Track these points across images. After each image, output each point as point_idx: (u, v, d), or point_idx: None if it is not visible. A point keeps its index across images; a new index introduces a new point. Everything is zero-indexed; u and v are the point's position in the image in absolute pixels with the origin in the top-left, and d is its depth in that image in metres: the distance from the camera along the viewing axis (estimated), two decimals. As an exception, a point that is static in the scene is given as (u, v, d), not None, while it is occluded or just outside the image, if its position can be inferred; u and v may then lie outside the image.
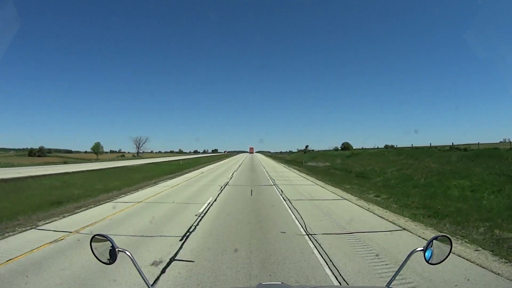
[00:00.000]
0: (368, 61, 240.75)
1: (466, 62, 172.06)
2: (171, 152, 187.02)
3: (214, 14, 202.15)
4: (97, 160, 77.87)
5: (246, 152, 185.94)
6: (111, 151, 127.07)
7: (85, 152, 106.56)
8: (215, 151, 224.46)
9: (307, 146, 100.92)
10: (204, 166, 36.34)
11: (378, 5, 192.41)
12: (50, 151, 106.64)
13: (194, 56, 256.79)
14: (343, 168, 32.99)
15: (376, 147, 58.03)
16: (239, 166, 36.42)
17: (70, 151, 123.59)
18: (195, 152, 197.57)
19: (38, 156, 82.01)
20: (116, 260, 1.62)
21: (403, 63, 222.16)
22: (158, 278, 4.47)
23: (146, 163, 43.01)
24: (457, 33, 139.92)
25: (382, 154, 34.17)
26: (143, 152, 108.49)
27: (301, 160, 61.27)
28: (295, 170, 30.42)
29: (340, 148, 73.17)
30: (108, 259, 1.63)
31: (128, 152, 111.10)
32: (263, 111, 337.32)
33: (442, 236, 1.72)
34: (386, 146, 54.52)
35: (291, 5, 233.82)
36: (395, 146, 42.59)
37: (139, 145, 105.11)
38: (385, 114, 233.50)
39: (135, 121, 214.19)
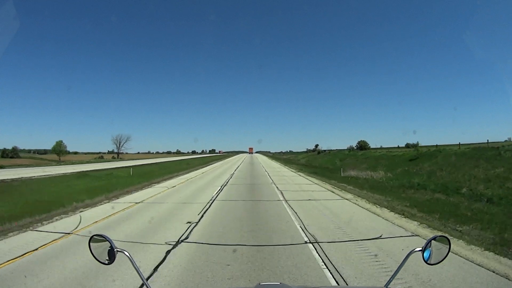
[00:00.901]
0: (367, 61, 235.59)
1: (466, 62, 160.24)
2: (168, 152, 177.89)
3: (213, 14, 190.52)
4: (58, 162, 63.03)
5: (246, 152, 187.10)
6: (109, 152, 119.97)
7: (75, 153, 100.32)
8: (212, 151, 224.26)
9: (317, 145, 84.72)
10: (162, 181, 20.12)
11: (378, 6, 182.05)
12: (45, 151, 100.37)
13: (194, 55, 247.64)
14: (438, 183, 16.58)
15: (397, 145, 51.05)
16: (226, 182, 19.79)
17: (68, 152, 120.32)
18: (193, 152, 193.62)
19: (11, 157, 74.23)
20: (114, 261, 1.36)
21: (403, 62, 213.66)
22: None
23: (76, 172, 27.51)
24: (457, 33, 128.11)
25: (494, 156, 18.24)
26: (138, 152, 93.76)
27: (320, 164, 44.93)
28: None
29: (355, 147, 61.40)
30: (107, 260, 1.59)
31: (125, 152, 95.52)
32: (263, 111, 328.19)
33: (440, 236, 1.62)
34: (408, 145, 44.22)
35: (291, 4, 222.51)
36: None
37: (119, 144, 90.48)
38: (385, 114, 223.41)
39: (135, 121, 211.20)
